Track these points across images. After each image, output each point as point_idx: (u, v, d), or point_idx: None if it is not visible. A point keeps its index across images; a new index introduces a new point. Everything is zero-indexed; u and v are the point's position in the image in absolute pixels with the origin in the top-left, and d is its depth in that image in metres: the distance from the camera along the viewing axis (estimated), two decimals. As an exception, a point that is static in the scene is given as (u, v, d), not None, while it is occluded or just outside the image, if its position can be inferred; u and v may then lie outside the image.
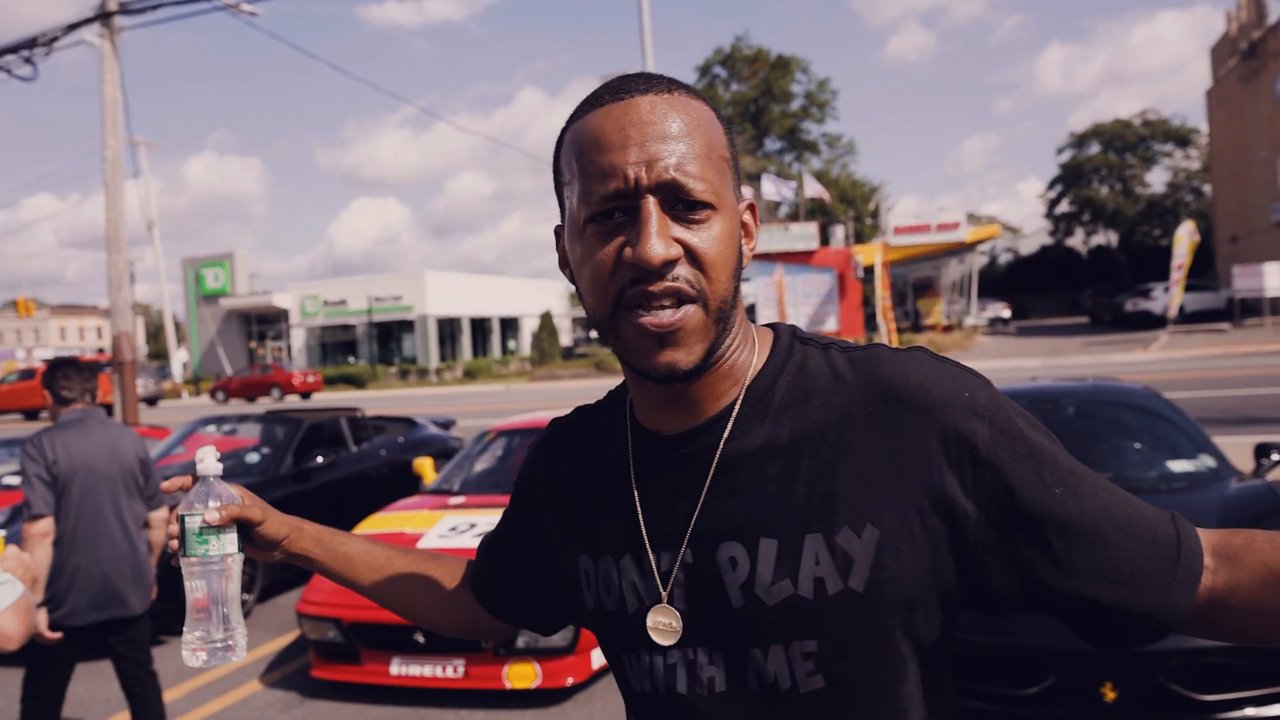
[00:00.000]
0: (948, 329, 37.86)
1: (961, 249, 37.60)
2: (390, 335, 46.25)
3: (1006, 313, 47.54)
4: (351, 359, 45.46)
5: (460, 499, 6.18)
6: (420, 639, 4.94)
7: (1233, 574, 0.91)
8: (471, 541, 5.17)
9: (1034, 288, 60.14)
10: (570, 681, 4.81)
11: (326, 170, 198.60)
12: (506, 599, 1.27)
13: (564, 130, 1.00)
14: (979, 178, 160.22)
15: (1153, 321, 34.51)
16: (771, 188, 35.64)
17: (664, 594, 1.01)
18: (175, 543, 1.12)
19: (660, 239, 0.90)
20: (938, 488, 0.93)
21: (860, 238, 45.71)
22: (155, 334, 66.21)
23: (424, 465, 7.58)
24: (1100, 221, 60.08)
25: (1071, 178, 60.79)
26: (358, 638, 5.08)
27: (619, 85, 0.97)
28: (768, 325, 1.09)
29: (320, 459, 8.10)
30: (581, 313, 73.14)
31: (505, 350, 51.40)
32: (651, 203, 0.91)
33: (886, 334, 29.41)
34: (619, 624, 1.06)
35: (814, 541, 0.94)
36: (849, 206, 47.86)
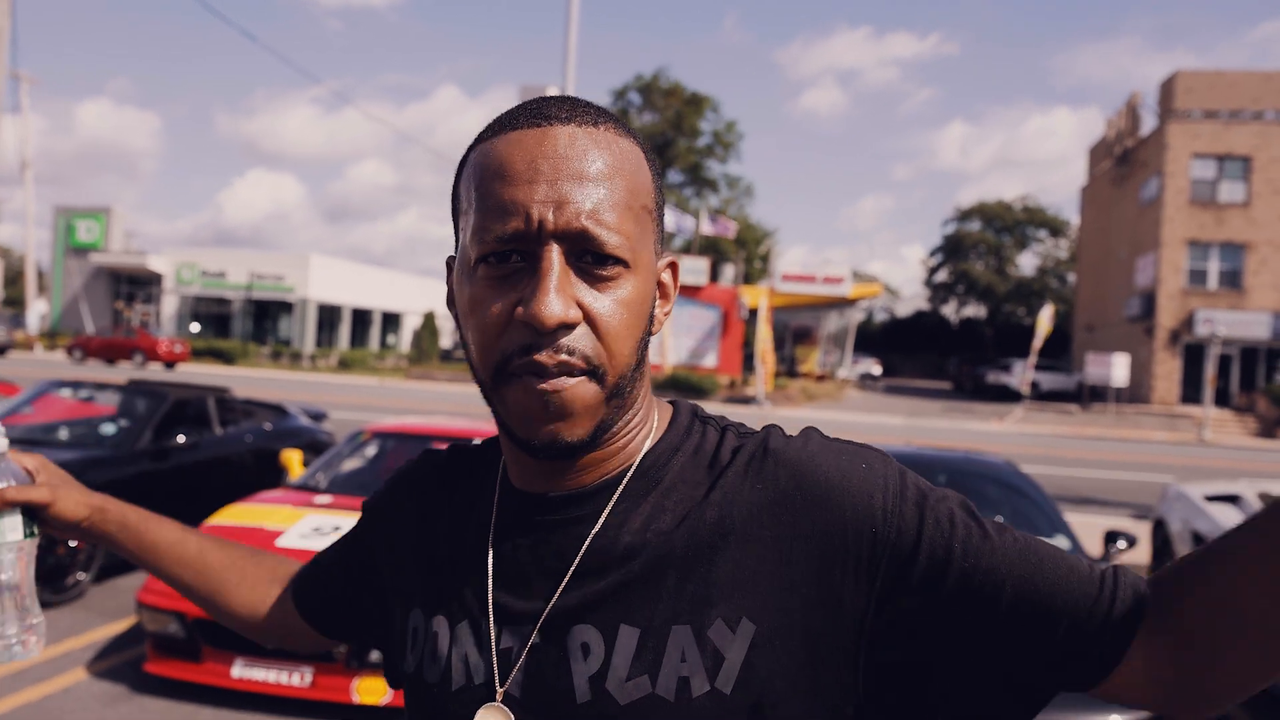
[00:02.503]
0: (820, 378, 38.90)
1: (843, 303, 38.70)
2: (267, 314, 44.83)
3: (877, 369, 49.17)
4: (222, 335, 43.78)
5: (327, 498, 6.00)
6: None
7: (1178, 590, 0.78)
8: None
9: (905, 349, 62.39)
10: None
11: (226, 136, 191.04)
12: (328, 613, 1.15)
13: (469, 150, 0.89)
14: (868, 236, 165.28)
15: (1009, 395, 36.23)
16: (671, 219, 36.02)
17: (497, 679, 0.87)
18: None
19: (559, 297, 0.79)
20: (829, 578, 0.82)
21: (749, 279, 46.57)
22: (14, 280, 62.38)
23: (292, 458, 7.31)
24: (973, 294, 62.71)
25: (952, 249, 63.35)
26: (201, 634, 4.87)
27: (537, 109, 0.85)
28: (669, 401, 0.98)
29: (182, 439, 7.78)
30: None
31: (384, 344, 50.43)
32: (555, 252, 0.80)
33: (764, 376, 30.01)
34: (437, 700, 0.91)
35: (681, 634, 0.82)
36: (741, 248, 48.71)
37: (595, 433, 0.84)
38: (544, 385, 0.80)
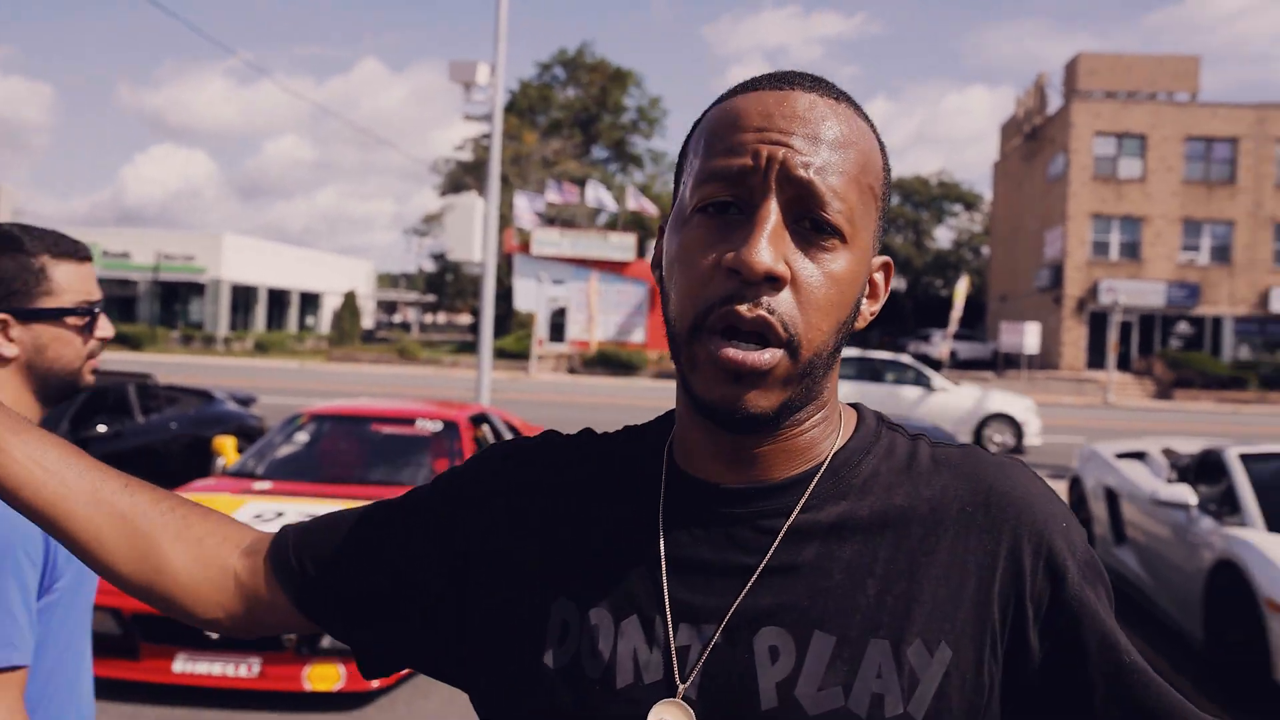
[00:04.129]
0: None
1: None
2: (177, 297, 43.56)
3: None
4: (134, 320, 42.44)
5: (266, 484, 5.93)
6: (211, 634, 4.73)
7: None
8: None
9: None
10: (376, 684, 4.74)
11: (129, 110, 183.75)
12: (341, 603, 0.96)
13: (704, 113, 0.86)
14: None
15: (930, 364, 37.04)
16: (593, 194, 35.98)
17: (677, 676, 0.80)
18: None
19: (771, 247, 0.75)
20: (1020, 617, 0.80)
21: (671, 255, 46.64)
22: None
23: (225, 444, 7.16)
24: (894, 268, 63.89)
25: (870, 223, 64.30)
26: (139, 630, 4.74)
27: (781, 76, 0.83)
28: (851, 405, 0.94)
29: (103, 428, 7.62)
30: (387, 295, 71.11)
31: (303, 326, 49.35)
32: (774, 203, 0.77)
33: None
34: (600, 698, 0.82)
35: (879, 648, 0.78)
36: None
37: (781, 411, 0.79)
38: (729, 347, 0.76)
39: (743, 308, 0.75)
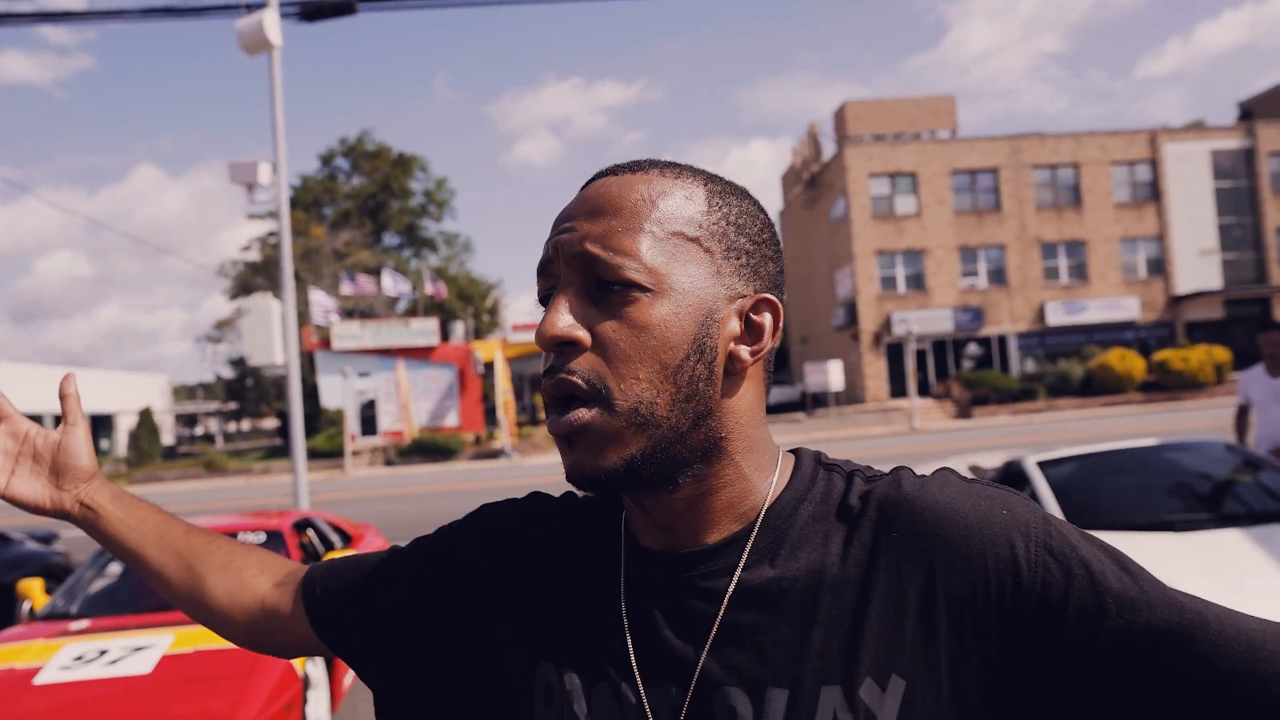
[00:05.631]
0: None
1: (577, 346, 39.32)
2: (-55, 437, 39.70)
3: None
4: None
5: (84, 623, 5.44)
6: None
7: None
8: (104, 671, 4.61)
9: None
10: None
11: None
12: (353, 629, 1.05)
13: None
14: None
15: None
16: (390, 283, 35.49)
17: None
18: None
19: (560, 315, 0.81)
20: (974, 629, 0.80)
21: (479, 334, 46.54)
22: None
23: (32, 588, 6.52)
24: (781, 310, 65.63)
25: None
26: None
27: (601, 171, 0.90)
28: (791, 450, 0.95)
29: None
30: (185, 408, 67.13)
31: (98, 451, 45.53)
32: (569, 281, 0.83)
33: (508, 428, 30.07)
34: None
35: (831, 695, 0.79)
36: (468, 304, 48.64)
37: (630, 468, 0.81)
38: (553, 416, 0.82)
39: (547, 379, 0.83)
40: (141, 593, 6.17)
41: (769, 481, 0.89)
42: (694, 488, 0.86)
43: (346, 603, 1.06)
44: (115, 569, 6.34)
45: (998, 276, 37.31)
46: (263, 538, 6.31)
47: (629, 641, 0.87)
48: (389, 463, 32.07)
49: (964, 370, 35.72)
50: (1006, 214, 37.18)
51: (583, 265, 0.82)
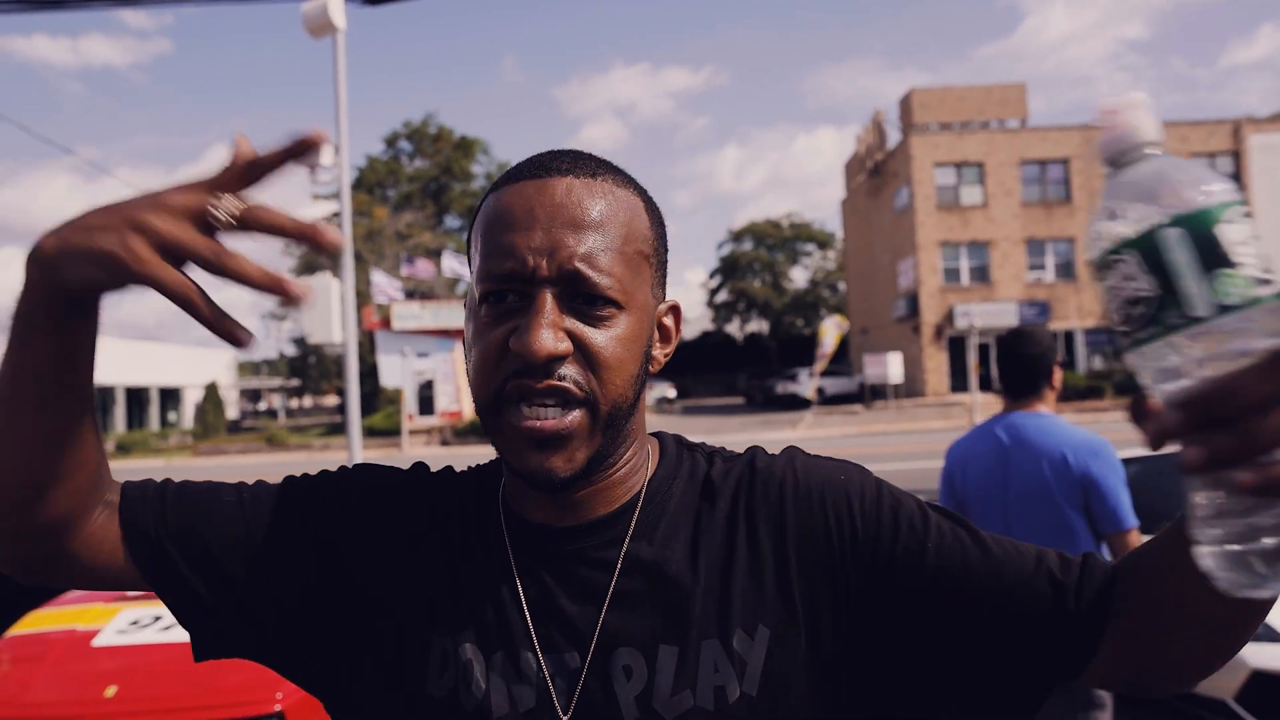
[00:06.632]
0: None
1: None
2: (24, 405, 41.02)
3: (672, 392, 50.33)
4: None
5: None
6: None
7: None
8: (158, 636, 4.72)
9: (695, 369, 64.22)
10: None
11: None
12: (185, 563, 0.94)
13: (480, 201, 0.94)
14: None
15: (799, 403, 37.95)
16: (450, 264, 35.80)
17: (557, 704, 0.89)
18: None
19: (549, 330, 0.84)
20: (820, 575, 0.91)
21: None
22: None
23: None
24: (754, 311, 65.45)
25: (730, 270, 65.93)
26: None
27: (540, 162, 0.91)
28: (653, 434, 1.04)
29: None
30: (250, 384, 68.55)
31: (165, 423, 47.31)
32: (548, 294, 0.85)
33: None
34: None
35: (711, 647, 0.89)
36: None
37: (590, 465, 0.89)
38: (536, 420, 0.85)
39: (529, 380, 0.85)
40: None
41: (648, 461, 1.00)
42: (605, 473, 0.95)
43: (183, 528, 0.95)
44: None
45: (1066, 270, 36.59)
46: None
47: (525, 611, 0.92)
48: (445, 443, 32.43)
49: (1027, 365, 34.90)
50: (1077, 206, 36.39)
51: (568, 281, 0.86)
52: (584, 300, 0.86)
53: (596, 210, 0.88)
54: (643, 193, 0.95)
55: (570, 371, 0.86)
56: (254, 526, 0.97)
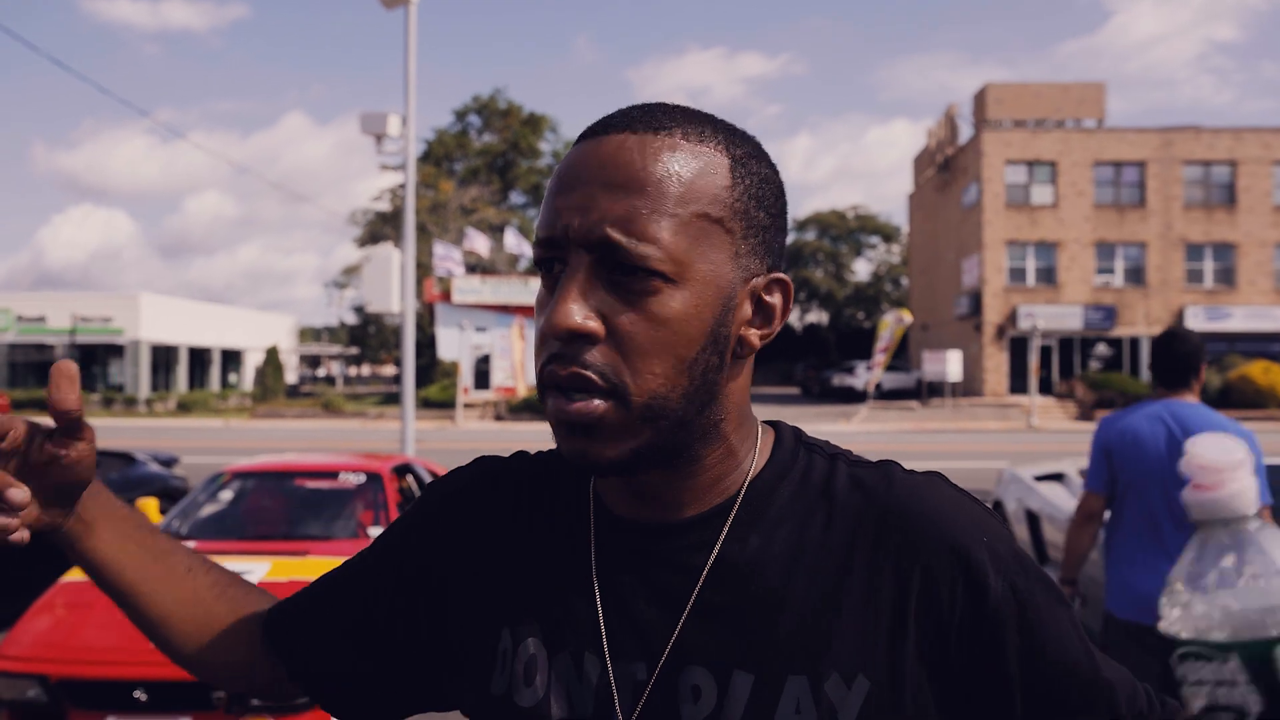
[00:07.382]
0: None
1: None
2: (95, 359, 42.17)
3: (730, 380, 50.22)
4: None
5: (191, 544, 5.77)
6: (141, 696, 4.59)
7: None
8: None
9: (755, 358, 64.02)
10: (308, 740, 4.63)
11: (44, 171, 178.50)
12: (311, 651, 0.98)
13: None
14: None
15: (855, 396, 37.63)
16: (514, 241, 36.04)
17: (619, 716, 0.82)
18: None
19: (574, 305, 0.75)
20: (939, 638, 0.79)
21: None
22: None
23: (148, 506, 6.99)
24: (815, 301, 65.03)
25: (792, 259, 65.54)
26: (67, 696, 4.57)
27: (606, 119, 0.82)
28: (768, 423, 0.92)
29: (18, 496, 7.34)
30: (310, 350, 69.70)
31: (225, 384, 48.46)
32: (581, 261, 0.76)
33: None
34: None
35: (797, 684, 0.78)
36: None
37: (636, 458, 0.79)
38: (559, 401, 0.77)
39: (557, 366, 0.77)
40: (245, 521, 6.48)
41: (751, 456, 0.87)
42: (686, 467, 0.84)
43: (314, 632, 0.99)
44: (226, 495, 6.66)
45: (1135, 275, 35.70)
46: (363, 479, 6.54)
47: (599, 611, 0.85)
48: (499, 418, 32.74)
49: (1090, 371, 34.35)
50: (1150, 210, 35.45)
51: (601, 249, 0.76)
52: (621, 271, 0.76)
53: (645, 168, 0.76)
54: (734, 148, 0.82)
55: (596, 360, 0.76)
56: (374, 610, 0.98)
